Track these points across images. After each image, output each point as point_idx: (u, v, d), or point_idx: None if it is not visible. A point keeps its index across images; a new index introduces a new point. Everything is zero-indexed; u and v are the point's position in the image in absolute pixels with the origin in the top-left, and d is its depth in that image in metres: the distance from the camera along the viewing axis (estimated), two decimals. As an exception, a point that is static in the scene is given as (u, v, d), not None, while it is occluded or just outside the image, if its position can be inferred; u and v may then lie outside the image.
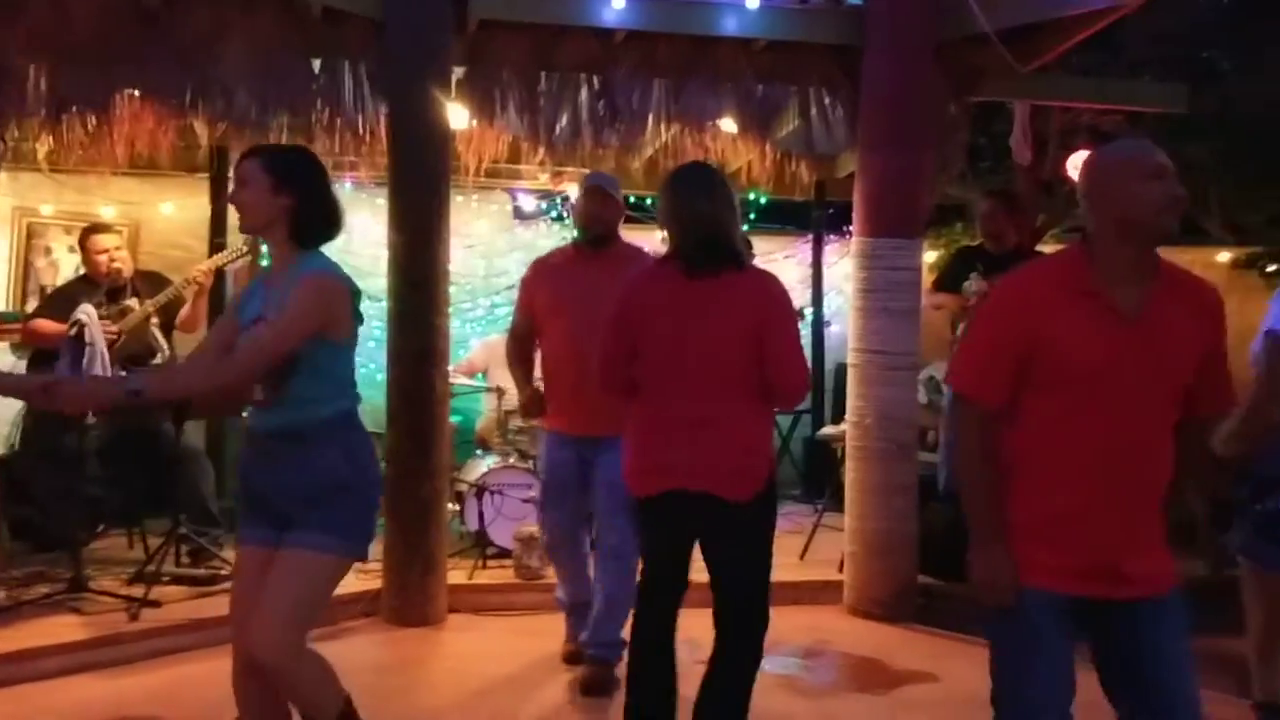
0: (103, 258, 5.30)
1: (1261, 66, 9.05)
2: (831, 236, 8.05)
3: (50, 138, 5.12)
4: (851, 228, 5.40)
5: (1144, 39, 8.64)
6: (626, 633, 3.55)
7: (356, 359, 2.97)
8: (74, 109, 4.79)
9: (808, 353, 7.69)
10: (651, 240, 7.43)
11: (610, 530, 4.06)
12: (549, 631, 4.57)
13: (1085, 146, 7.25)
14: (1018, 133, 6.21)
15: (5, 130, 4.91)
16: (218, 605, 4.31)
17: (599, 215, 4.13)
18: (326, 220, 2.88)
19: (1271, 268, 9.66)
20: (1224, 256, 9.21)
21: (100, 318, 5.05)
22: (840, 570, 5.42)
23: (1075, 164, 7.19)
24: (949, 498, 5.89)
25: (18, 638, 4.20)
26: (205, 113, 4.94)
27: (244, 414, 2.95)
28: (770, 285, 3.17)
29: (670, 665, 3.24)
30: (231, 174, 2.85)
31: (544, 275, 4.26)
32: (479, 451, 6.33)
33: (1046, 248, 9.04)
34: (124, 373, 4.98)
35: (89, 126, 4.93)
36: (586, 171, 7.09)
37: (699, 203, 3.15)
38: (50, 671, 4.08)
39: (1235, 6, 9.95)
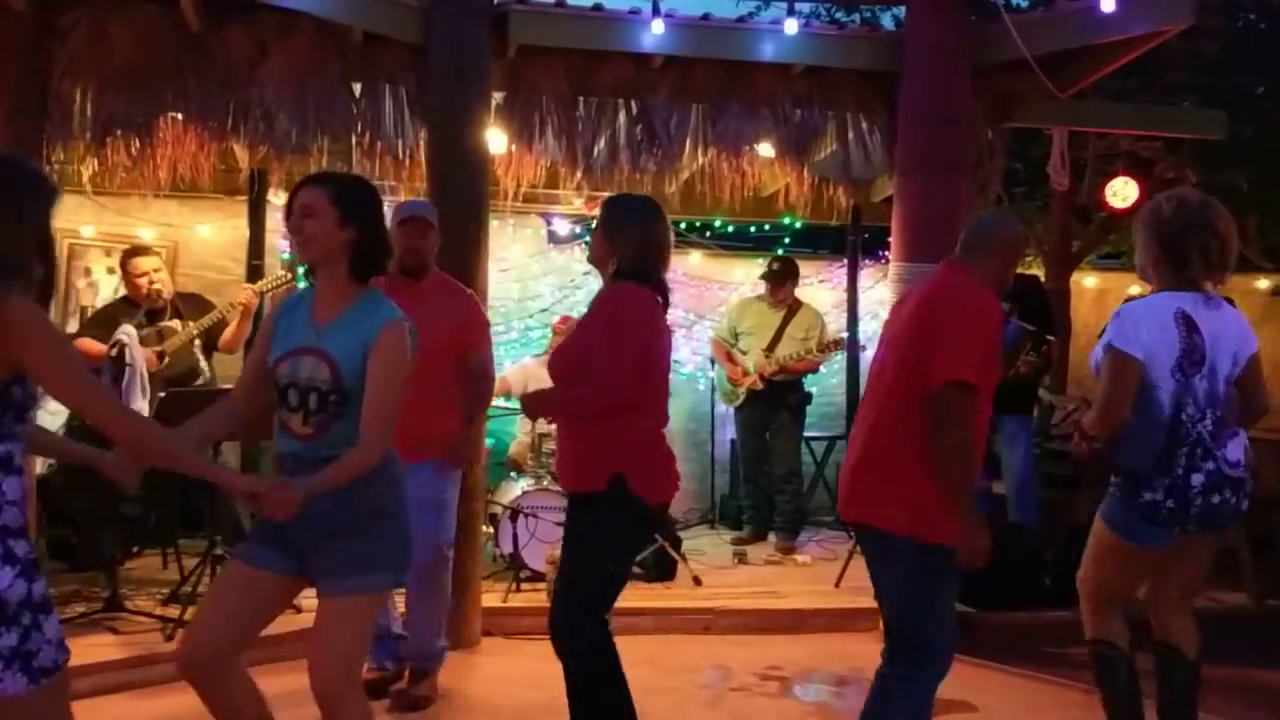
0: (143, 280, 5.37)
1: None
2: (866, 261, 8.02)
3: (94, 161, 5.19)
4: (886, 252, 5.38)
5: (1180, 65, 8.59)
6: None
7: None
8: (118, 132, 4.87)
9: (842, 378, 7.51)
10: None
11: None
12: (583, 656, 4.53)
13: (1123, 173, 7.19)
14: (1055, 158, 6.16)
15: (51, 154, 4.98)
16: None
17: (415, 246, 4.01)
18: (385, 254, 2.86)
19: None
20: (1263, 283, 9.10)
21: (140, 339, 5.10)
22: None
23: (1113, 190, 7.13)
24: (1018, 528, 5.81)
25: (55, 656, 4.22)
26: (246, 136, 4.99)
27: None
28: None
29: None
30: (293, 202, 2.77)
31: None
32: (512, 474, 6.31)
33: (1082, 275, 8.97)
34: (162, 394, 5.01)
35: (132, 149, 5.01)
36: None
37: None
38: (85, 691, 4.03)
39: (1270, 32, 9.89)
